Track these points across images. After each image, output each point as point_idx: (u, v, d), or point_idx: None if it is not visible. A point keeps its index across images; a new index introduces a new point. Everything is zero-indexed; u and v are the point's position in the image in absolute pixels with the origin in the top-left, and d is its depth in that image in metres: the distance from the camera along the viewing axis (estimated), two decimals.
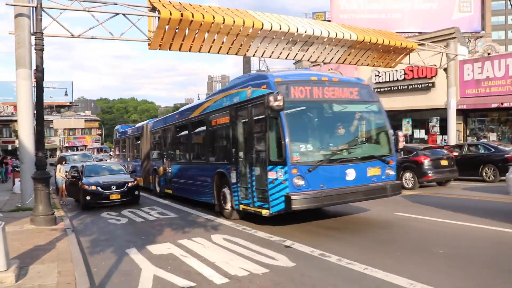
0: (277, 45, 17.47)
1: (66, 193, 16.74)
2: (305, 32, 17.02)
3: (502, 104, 24.50)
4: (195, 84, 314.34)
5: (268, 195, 8.71)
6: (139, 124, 22.57)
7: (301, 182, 8.29)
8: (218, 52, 16.95)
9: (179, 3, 15.94)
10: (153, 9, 15.25)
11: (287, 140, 8.27)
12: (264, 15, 17.01)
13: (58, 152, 69.12)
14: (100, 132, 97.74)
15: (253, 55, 18.36)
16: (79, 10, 13.80)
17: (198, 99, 49.24)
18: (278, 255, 7.07)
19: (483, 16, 36.70)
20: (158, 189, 17.58)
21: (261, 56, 18.76)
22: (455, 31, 26.99)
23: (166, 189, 16.38)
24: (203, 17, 15.35)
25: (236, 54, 17.42)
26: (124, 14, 14.97)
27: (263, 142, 9.01)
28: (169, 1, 15.79)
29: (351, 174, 8.87)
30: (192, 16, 15.16)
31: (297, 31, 16.83)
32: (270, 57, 18.08)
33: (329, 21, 34.20)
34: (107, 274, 6.51)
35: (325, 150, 8.96)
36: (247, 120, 9.78)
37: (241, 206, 10.02)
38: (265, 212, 8.84)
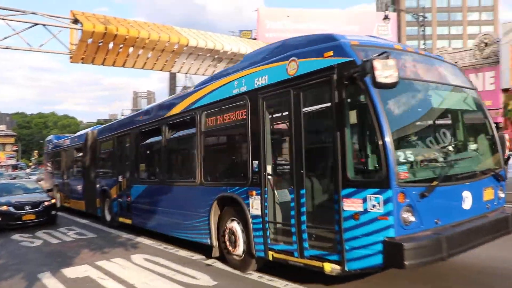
0: (202, 62, 17.63)
1: None
2: (231, 49, 17.30)
3: None
4: (119, 99, 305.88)
5: (343, 240, 5.19)
6: (81, 132, 17.98)
7: (411, 218, 4.95)
8: (142, 68, 16.77)
9: (104, 16, 15.68)
10: (76, 21, 14.86)
11: (387, 140, 4.83)
12: (190, 32, 17.10)
13: None
14: (16, 148, 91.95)
15: (178, 71, 18.35)
16: None
17: (122, 115, 47.43)
18: (199, 274, 7.00)
19: (399, 39, 39.44)
20: (108, 216, 13.34)
21: (187, 73, 18.79)
22: None
23: (122, 218, 12.20)
24: (128, 32, 15.22)
25: (161, 70, 17.33)
26: (44, 25, 14.41)
27: (327, 147, 5.73)
28: (93, 14, 15.51)
29: (467, 199, 5.70)
30: (117, 30, 14.97)
31: (222, 49, 17.07)
32: (195, 73, 18.20)
33: (255, 39, 34.95)
34: None
35: (436, 161, 5.63)
36: (287, 112, 6.23)
37: (273, 254, 6.33)
38: (330, 269, 5.36)
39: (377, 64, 4.61)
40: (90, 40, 14.99)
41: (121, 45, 15.75)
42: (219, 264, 7.61)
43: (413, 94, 5.77)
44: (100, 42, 15.26)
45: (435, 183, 5.12)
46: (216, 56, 17.53)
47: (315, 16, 40.43)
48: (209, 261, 7.85)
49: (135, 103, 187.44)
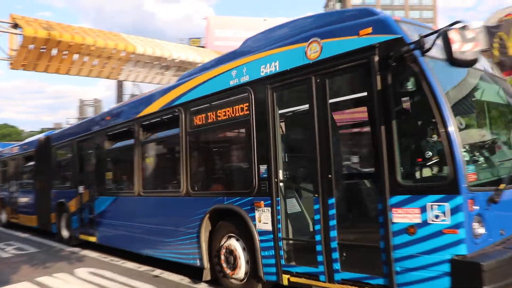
0: (150, 70, 17.51)
1: None
2: (179, 57, 17.29)
3: None
4: (65, 108, 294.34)
5: (392, 260, 4.23)
6: (32, 139, 16.01)
7: (481, 230, 4.06)
8: (88, 75, 16.45)
9: (46, 21, 15.21)
10: (16, 25, 14.35)
11: (453, 133, 3.92)
12: (137, 39, 16.91)
13: None
14: None
15: (125, 79, 18.13)
16: None
17: (67, 124, 45.63)
18: (146, 285, 6.87)
19: None
20: (66, 233, 11.74)
21: (134, 81, 18.59)
22: None
23: (84, 235, 10.66)
24: (73, 38, 14.85)
25: (108, 77, 17.07)
26: None
27: (365, 144, 5.22)
28: (35, 19, 15.01)
29: None
30: (61, 36, 14.59)
31: (170, 56, 17.04)
32: (142, 81, 18.02)
33: (204, 47, 34.96)
34: None
35: (497, 159, 4.85)
36: (308, 104, 5.09)
37: (289, 277, 5.27)
38: None
39: (455, 35, 3.73)
40: (31, 46, 14.50)
41: (65, 52, 15.32)
42: (166, 275, 7.52)
43: (467, 81, 4.89)
44: (43, 48, 14.80)
45: (502, 186, 4.22)
46: (164, 64, 17.45)
47: (267, 25, 41.00)
48: (156, 272, 7.74)
49: (81, 112, 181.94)
